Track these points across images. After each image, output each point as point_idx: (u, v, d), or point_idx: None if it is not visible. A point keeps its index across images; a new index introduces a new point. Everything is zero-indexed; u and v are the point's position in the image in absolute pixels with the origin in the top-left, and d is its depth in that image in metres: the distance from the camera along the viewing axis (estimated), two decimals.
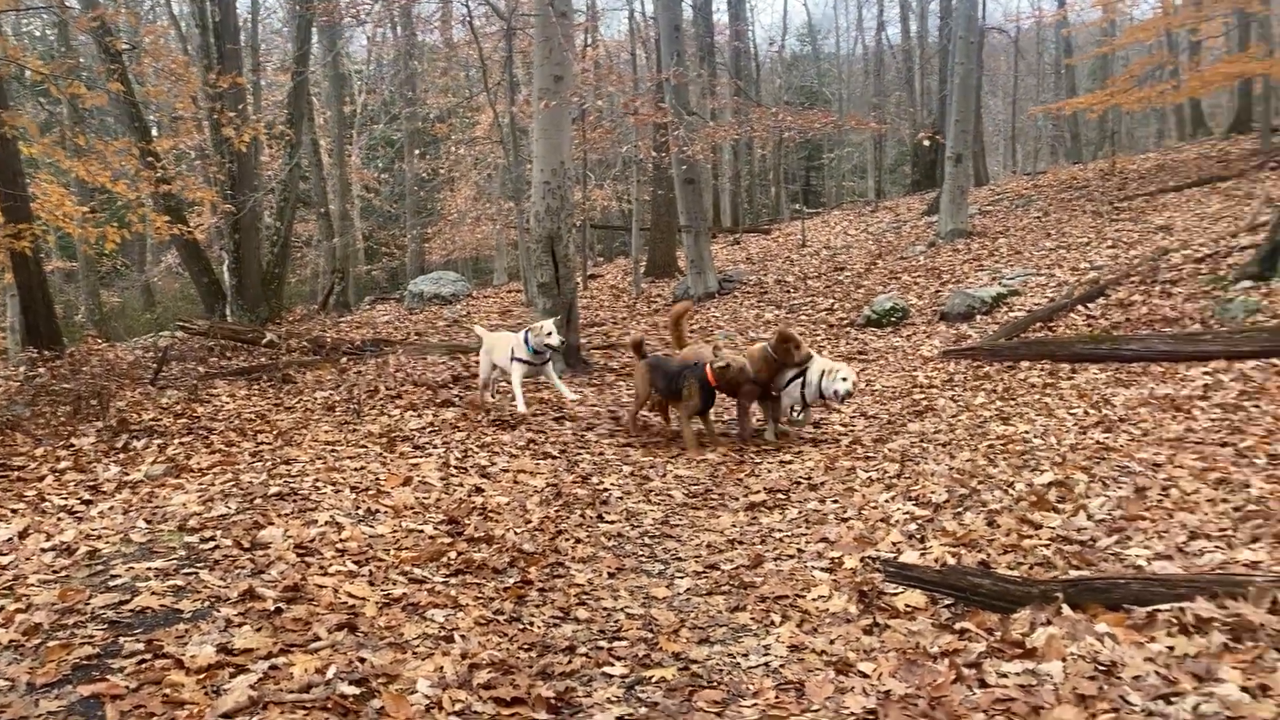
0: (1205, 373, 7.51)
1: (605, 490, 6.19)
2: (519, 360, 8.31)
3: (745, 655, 3.72)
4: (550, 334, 8.15)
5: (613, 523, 5.58)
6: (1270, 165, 16.12)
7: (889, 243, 18.93)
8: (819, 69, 43.58)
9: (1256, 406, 6.45)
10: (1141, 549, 4.29)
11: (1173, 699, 2.93)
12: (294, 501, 5.43)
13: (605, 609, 4.29)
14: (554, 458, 7.00)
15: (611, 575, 4.75)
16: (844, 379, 7.28)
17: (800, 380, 7.49)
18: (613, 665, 3.67)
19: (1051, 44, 37.94)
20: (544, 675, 3.56)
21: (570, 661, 3.70)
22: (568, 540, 5.20)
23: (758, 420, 7.94)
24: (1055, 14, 31.90)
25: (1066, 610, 3.57)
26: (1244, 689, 2.90)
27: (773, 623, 4.01)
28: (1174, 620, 3.39)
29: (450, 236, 30.21)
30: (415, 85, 26.71)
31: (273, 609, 3.81)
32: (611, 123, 19.58)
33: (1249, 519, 4.50)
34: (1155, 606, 3.50)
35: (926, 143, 22.61)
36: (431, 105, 28.00)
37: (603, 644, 3.89)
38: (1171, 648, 3.24)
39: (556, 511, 5.68)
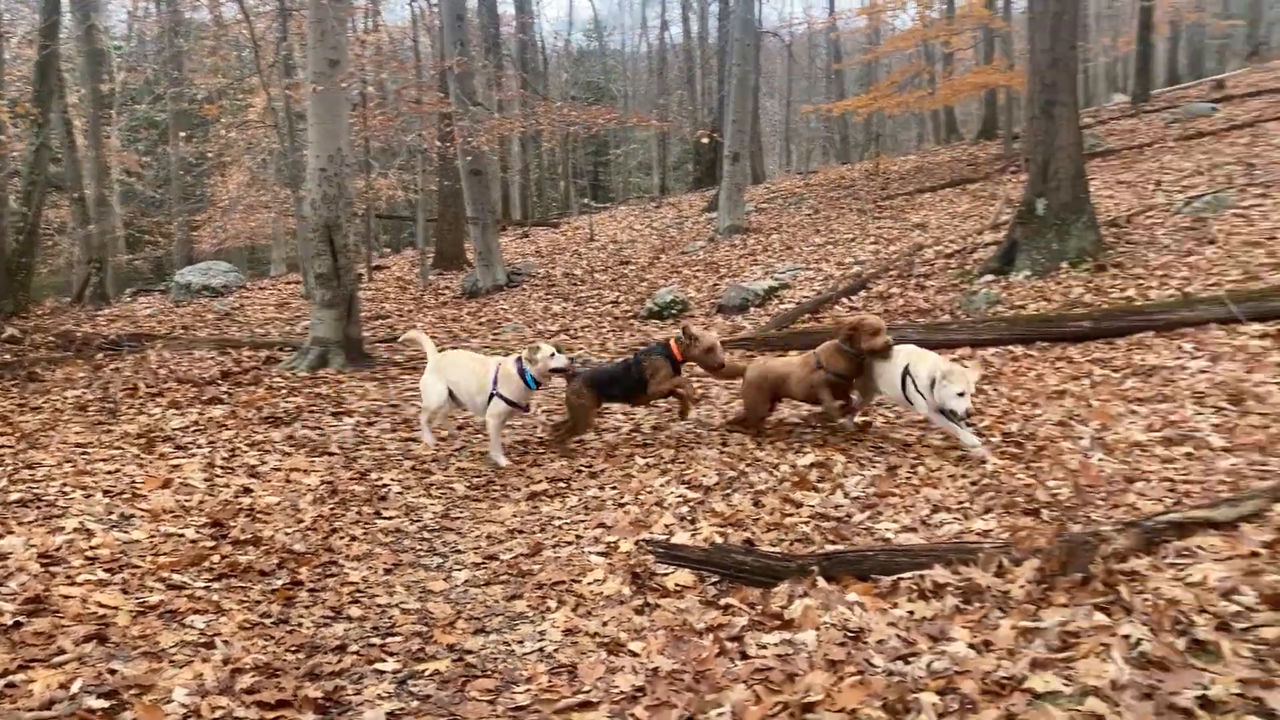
0: (952, 359, 8.14)
1: (384, 486, 6.06)
2: (501, 399, 6.52)
3: (520, 642, 3.76)
4: (552, 355, 6.52)
5: (391, 518, 5.48)
6: (1011, 169, 17.63)
7: (672, 238, 19.44)
8: (605, 65, 44.13)
9: (995, 390, 7.08)
10: (890, 522, 4.64)
11: (910, 659, 3.18)
12: (38, 508, 5.07)
13: (380, 606, 4.23)
14: (331, 455, 6.79)
15: (388, 571, 4.68)
16: (959, 394, 5.54)
17: (908, 377, 5.96)
18: (385, 661, 3.62)
19: (823, 49, 40.01)
20: (312, 676, 3.47)
21: (340, 660, 3.62)
22: (342, 538, 5.07)
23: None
24: (826, 20, 33.65)
25: (821, 582, 3.81)
26: (971, 646, 3.19)
27: (549, 609, 4.07)
28: (915, 587, 3.68)
29: (222, 224, 28.51)
30: (182, 64, 25.09)
31: (10, 623, 3.56)
32: (395, 110, 19.08)
33: (983, 492, 4.95)
34: (899, 575, 3.80)
35: (706, 141, 23.37)
36: (200, 86, 26.36)
37: (375, 641, 3.83)
38: (912, 612, 3.52)
39: (331, 509, 5.53)
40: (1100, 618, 3.17)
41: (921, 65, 24.82)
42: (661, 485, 5.58)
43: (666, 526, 4.88)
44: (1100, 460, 5.20)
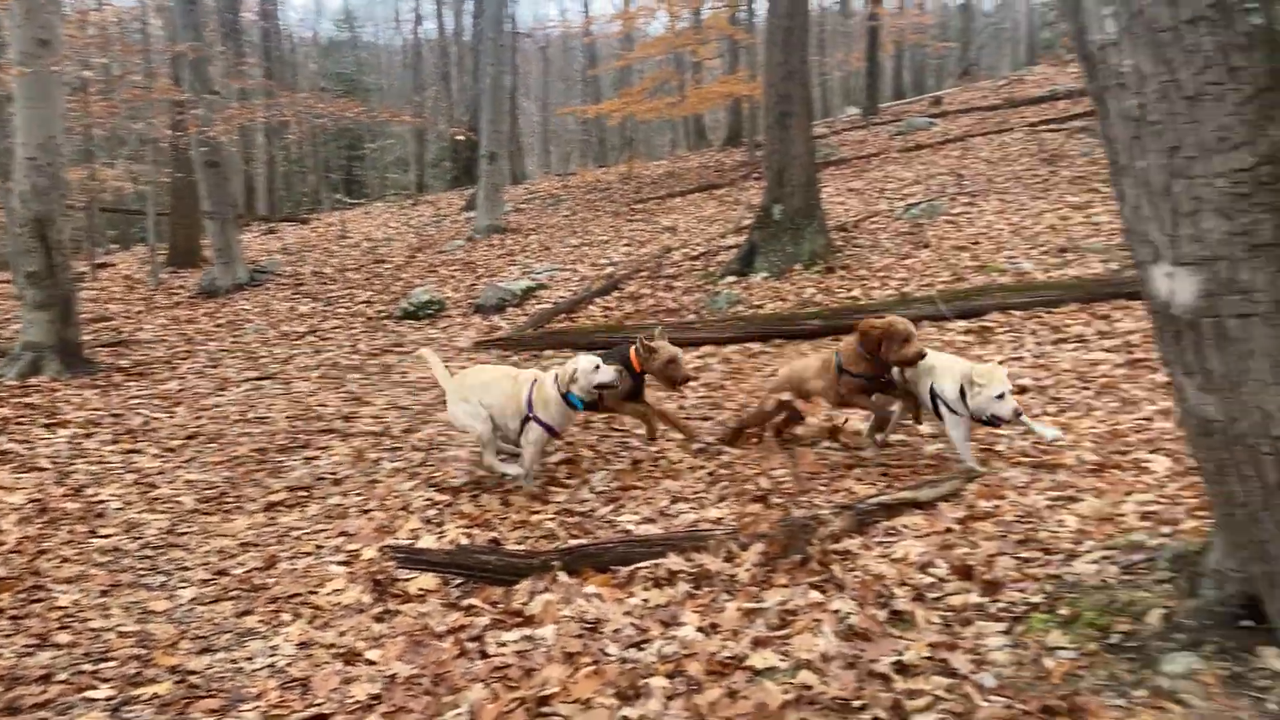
0: (698, 356, 8.47)
1: (102, 502, 5.62)
2: (539, 423, 5.30)
3: (250, 659, 3.60)
4: (596, 368, 5.27)
5: (108, 536, 5.08)
6: (754, 175, 18.49)
7: (429, 236, 19.13)
8: (358, 58, 42.77)
9: (734, 384, 7.43)
10: (632, 514, 4.78)
11: (643, 645, 3.30)
12: None
13: (93, 630, 3.92)
14: (41, 470, 6.22)
15: (104, 593, 4.34)
16: (998, 396, 4.70)
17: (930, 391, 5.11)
18: (97, 688, 3.37)
19: (578, 52, 40.54)
20: (11, 710, 3.19)
21: (45, 691, 3.35)
22: (51, 560, 4.67)
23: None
24: (581, 24, 34.10)
25: (563, 577, 3.88)
26: (699, 629, 3.35)
27: (282, 622, 3.91)
28: (650, 576, 3.82)
29: None
30: None
31: None
32: (121, 97, 17.69)
33: (719, 481, 5.18)
34: (637, 565, 3.92)
35: (461, 139, 23.13)
36: None
37: (87, 667, 3.56)
38: (647, 600, 3.65)
39: (39, 529, 5.08)
40: (815, 595, 3.42)
41: (671, 73, 25.63)
42: (409, 489, 5.49)
43: (412, 531, 4.81)
44: (825, 448, 5.57)
